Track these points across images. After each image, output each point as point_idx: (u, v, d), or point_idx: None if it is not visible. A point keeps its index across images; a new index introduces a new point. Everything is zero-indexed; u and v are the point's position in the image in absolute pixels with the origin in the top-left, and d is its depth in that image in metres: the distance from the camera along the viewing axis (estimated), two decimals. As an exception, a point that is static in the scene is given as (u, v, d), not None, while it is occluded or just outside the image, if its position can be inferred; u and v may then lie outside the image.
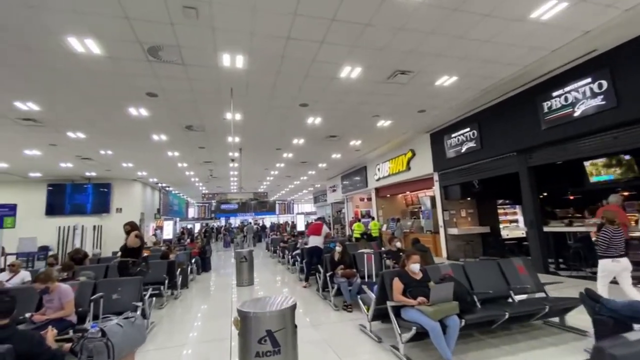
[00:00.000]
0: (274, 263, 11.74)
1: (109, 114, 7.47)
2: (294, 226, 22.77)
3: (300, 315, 5.00)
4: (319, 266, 6.16)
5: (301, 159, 13.76)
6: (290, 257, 9.22)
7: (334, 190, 20.28)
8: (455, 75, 6.47)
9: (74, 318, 3.50)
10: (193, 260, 9.26)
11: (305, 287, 6.89)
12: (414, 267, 3.43)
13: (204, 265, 10.27)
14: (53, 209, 15.37)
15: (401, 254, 5.37)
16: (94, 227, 15.26)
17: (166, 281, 6.04)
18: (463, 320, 3.04)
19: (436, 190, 10.50)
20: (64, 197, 15.64)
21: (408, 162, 11.60)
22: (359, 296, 4.18)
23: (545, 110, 6.84)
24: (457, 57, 5.74)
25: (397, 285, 3.33)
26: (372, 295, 3.81)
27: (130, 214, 17.01)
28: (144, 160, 12.61)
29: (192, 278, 8.88)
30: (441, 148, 10.01)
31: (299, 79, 6.20)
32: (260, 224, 34.57)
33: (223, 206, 38.76)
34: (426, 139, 10.67)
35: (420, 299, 3.14)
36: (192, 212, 38.10)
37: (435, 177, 10.48)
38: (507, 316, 3.24)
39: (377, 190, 14.66)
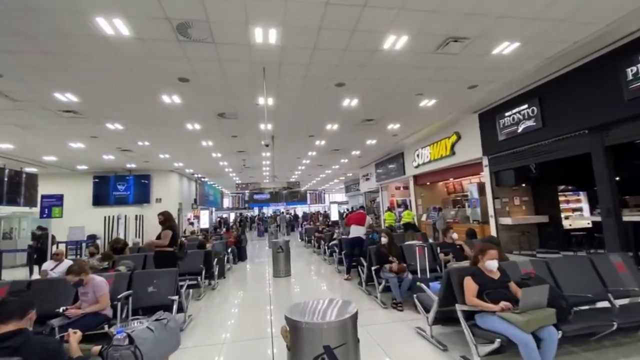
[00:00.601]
0: (309, 253, 11.45)
1: (143, 103, 7.38)
2: (326, 215, 22.44)
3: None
4: (362, 258, 5.68)
5: (334, 146, 13.22)
6: (326, 247, 8.82)
7: (367, 179, 19.58)
8: (518, 41, 5.55)
9: (109, 312, 3.32)
10: (229, 250, 9.17)
11: (346, 279, 6.46)
12: (491, 265, 2.82)
13: (240, 255, 10.19)
14: (99, 199, 16.17)
15: (458, 246, 4.74)
16: (136, 216, 15.85)
17: (203, 271, 5.87)
18: (560, 332, 2.42)
19: (486, 176, 9.54)
20: (108, 188, 16.40)
21: (452, 147, 10.66)
22: (414, 295, 3.65)
23: (630, 77, 5.72)
24: (524, 18, 4.86)
25: (470, 285, 2.75)
26: (433, 296, 3.26)
27: (169, 204, 17.55)
28: (179, 151, 12.73)
29: (229, 267, 8.78)
30: (492, 129, 9.00)
31: (336, 54, 5.63)
32: (292, 214, 34.80)
33: (256, 196, 39.40)
34: (474, 120, 9.67)
35: (503, 304, 2.55)
36: (226, 202, 39.10)
37: (485, 161, 9.51)
38: (615, 327, 2.56)
39: (416, 178, 13.80)
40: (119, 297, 3.46)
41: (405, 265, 4.60)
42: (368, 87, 7.16)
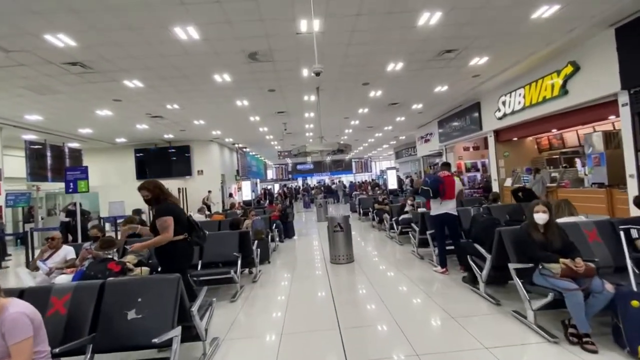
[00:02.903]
0: (367, 228, 9.62)
1: (155, 42, 5.73)
2: (376, 184, 20.29)
3: (466, 336, 2.66)
4: (475, 247, 3.59)
5: (392, 98, 10.80)
6: (394, 223, 6.85)
7: (426, 141, 16.84)
8: None
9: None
10: (274, 226, 7.65)
11: (443, 273, 4.50)
12: None
13: (287, 231, 8.69)
14: (141, 173, 15.73)
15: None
16: (179, 189, 15.17)
17: (239, 260, 4.27)
18: None
19: (624, 119, 6.63)
20: (150, 161, 15.88)
21: (564, 83, 7.73)
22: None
23: None
24: None
25: None
26: None
27: (211, 176, 16.74)
28: (213, 115, 11.30)
29: (275, 247, 7.29)
30: (637, 50, 6.02)
31: None
32: (337, 183, 33.16)
33: (299, 167, 38.25)
34: (606, 39, 6.64)
35: None
36: (270, 174, 38.53)
37: (623, 98, 6.57)
38: None
39: (497, 133, 10.96)
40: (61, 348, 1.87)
41: (593, 265, 2.49)
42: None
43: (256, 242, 5.04)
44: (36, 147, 11.83)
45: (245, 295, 4.24)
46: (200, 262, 4.28)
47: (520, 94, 9.20)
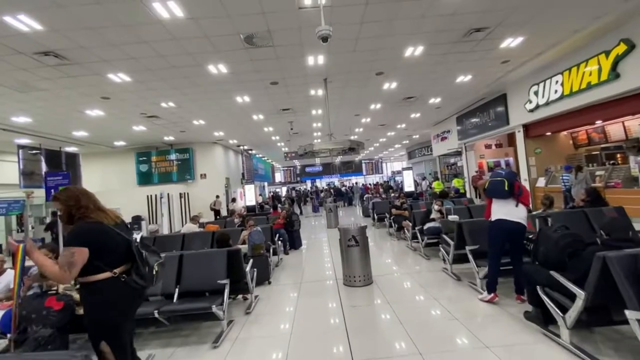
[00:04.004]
0: (382, 235, 8.58)
1: (137, 28, 4.87)
2: (389, 187, 19.18)
3: None
4: (558, 277, 2.54)
5: (408, 91, 9.76)
6: (418, 232, 5.80)
7: (443, 139, 15.68)
8: None
9: None
10: (277, 236, 6.69)
11: (490, 300, 3.45)
12: None
13: (292, 241, 7.72)
14: (142, 178, 15.06)
15: None
16: (180, 194, 14.38)
17: (226, 289, 3.31)
18: None
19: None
20: (150, 165, 15.18)
21: (614, 66, 6.58)
22: None
23: None
24: None
25: None
26: None
27: (215, 180, 15.93)
28: (212, 114, 10.45)
29: (278, 261, 6.33)
30: None
31: None
32: (347, 185, 32.07)
33: (307, 169, 37.36)
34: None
35: None
36: (278, 177, 37.71)
37: (697, 79, 5.42)
38: None
39: (527, 127, 9.80)
40: None
41: None
42: None
43: (251, 260, 4.09)
44: (30, 151, 11.20)
45: (234, 335, 3.25)
46: (177, 290, 3.35)
47: (557, 82, 8.04)
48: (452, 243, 4.22)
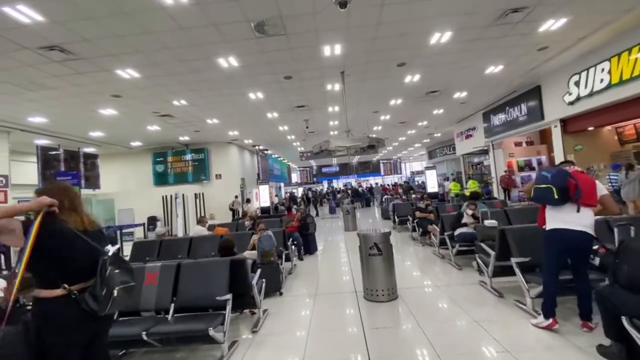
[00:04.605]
0: (404, 240, 7.95)
1: (140, 16, 4.54)
2: (410, 187, 18.37)
3: None
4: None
5: (432, 84, 9.09)
6: (448, 239, 5.16)
7: (467, 137, 14.78)
8: None
9: None
10: (290, 240, 6.21)
11: (548, 327, 2.80)
12: None
13: (307, 245, 7.22)
14: (158, 178, 15.02)
15: None
16: (195, 195, 14.21)
17: (228, 306, 2.85)
18: None
19: None
20: (166, 166, 15.12)
21: (677, 48, 5.71)
22: None
23: None
24: None
25: None
26: None
27: (231, 180, 15.70)
28: (226, 112, 10.14)
29: (291, 268, 5.85)
30: None
31: None
32: (365, 186, 31.32)
33: (324, 169, 36.85)
34: None
35: None
36: (294, 177, 37.41)
37: None
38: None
39: (565, 122, 8.89)
40: None
41: None
42: None
43: (259, 270, 3.61)
44: (49, 152, 11.25)
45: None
46: (172, 306, 2.92)
47: (603, 69, 7.16)
48: (492, 253, 3.59)
